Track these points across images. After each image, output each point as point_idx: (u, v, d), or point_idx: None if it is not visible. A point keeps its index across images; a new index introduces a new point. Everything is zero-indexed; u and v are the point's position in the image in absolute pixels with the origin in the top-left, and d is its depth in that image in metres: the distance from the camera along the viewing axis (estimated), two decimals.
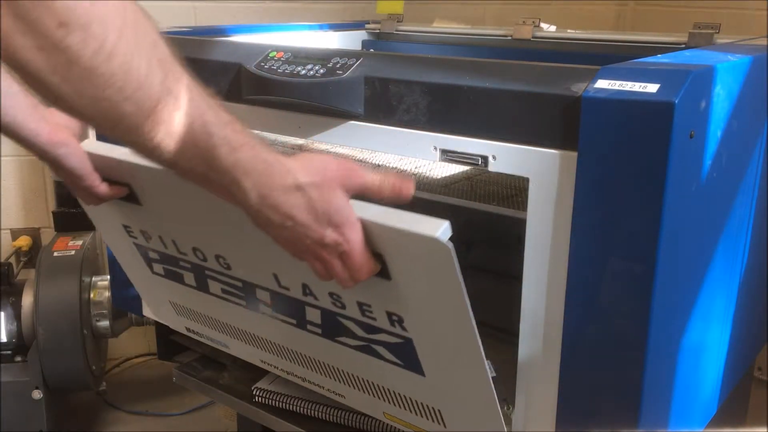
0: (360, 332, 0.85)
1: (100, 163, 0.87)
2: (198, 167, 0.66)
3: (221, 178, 0.67)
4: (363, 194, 0.72)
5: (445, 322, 0.77)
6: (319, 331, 0.91)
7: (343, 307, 0.84)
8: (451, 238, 0.69)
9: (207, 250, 0.95)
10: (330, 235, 0.70)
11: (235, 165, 0.66)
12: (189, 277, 1.02)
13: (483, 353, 0.78)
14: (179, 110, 0.62)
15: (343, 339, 0.89)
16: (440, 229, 0.68)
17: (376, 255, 0.73)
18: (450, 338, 0.79)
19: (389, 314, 0.80)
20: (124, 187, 0.91)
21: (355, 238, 0.71)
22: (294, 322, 0.94)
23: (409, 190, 0.72)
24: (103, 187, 0.89)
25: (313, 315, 0.90)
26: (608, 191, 0.73)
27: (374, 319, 0.82)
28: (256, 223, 0.70)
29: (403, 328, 0.80)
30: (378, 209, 0.72)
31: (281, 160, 0.68)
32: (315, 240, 0.70)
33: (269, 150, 0.68)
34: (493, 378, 0.81)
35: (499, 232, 0.95)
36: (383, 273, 0.75)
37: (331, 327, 0.89)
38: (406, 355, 0.83)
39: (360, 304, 0.81)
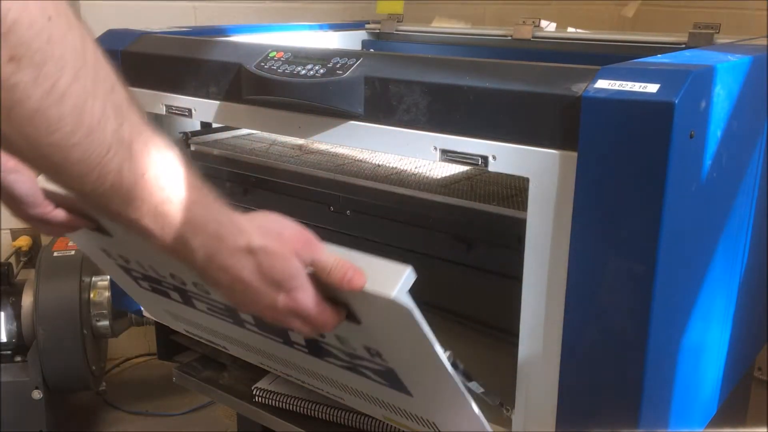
0: (344, 356, 0.84)
1: (61, 200, 0.82)
2: (143, 221, 0.62)
3: (167, 234, 0.63)
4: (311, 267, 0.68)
5: (418, 359, 0.76)
6: (306, 350, 0.91)
7: (323, 336, 0.83)
8: (415, 283, 0.66)
9: (184, 277, 0.93)
10: (282, 300, 0.67)
11: (184, 222, 0.62)
12: (174, 295, 1.02)
13: (458, 381, 0.77)
14: (130, 161, 0.58)
15: (329, 359, 0.89)
16: (396, 287, 0.65)
17: (342, 302, 0.71)
18: (425, 371, 0.78)
19: (367, 348, 0.79)
20: (89, 221, 0.86)
21: (308, 303, 0.67)
22: (281, 340, 0.93)
23: (360, 283, 0.66)
24: (56, 214, 0.83)
25: (297, 337, 0.89)
26: (608, 191, 0.73)
27: (354, 349, 0.81)
28: (205, 282, 0.67)
29: (383, 360, 0.79)
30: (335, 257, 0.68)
31: (235, 220, 0.65)
32: (267, 305, 0.67)
33: (223, 208, 0.65)
34: (482, 393, 0.81)
35: (499, 232, 0.95)
36: (352, 317, 0.72)
37: (316, 349, 0.88)
38: (391, 380, 0.83)
39: (338, 337, 0.80)
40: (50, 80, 0.50)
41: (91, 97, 0.53)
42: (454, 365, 0.76)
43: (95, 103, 0.54)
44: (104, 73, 0.55)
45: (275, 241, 0.66)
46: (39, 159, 0.54)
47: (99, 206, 0.61)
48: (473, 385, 0.79)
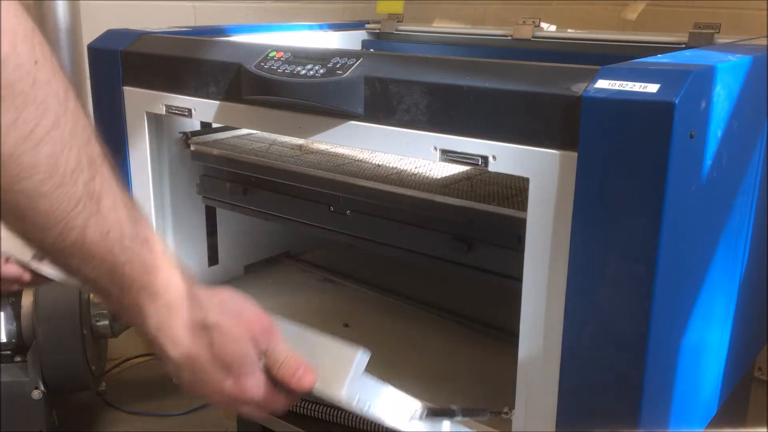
0: None
1: (10, 257, 0.80)
2: (101, 280, 0.59)
3: (124, 297, 0.60)
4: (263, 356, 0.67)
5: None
6: None
7: None
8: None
9: None
10: (229, 386, 0.64)
11: (142, 287, 0.60)
12: None
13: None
14: (97, 216, 0.55)
15: None
16: (344, 385, 0.64)
17: None
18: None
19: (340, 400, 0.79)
20: (41, 278, 0.84)
21: (257, 391, 0.65)
22: None
23: (309, 383, 0.65)
24: (7, 269, 0.81)
25: None
26: (608, 191, 0.73)
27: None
28: (155, 350, 0.65)
29: (359, 409, 0.79)
30: (288, 346, 0.67)
31: (194, 293, 0.63)
32: (214, 389, 0.64)
33: (185, 277, 0.63)
34: (471, 417, 0.81)
35: (499, 232, 0.95)
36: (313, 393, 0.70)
37: None
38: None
39: None
40: (29, 125, 0.48)
41: (68, 147, 0.52)
42: (432, 412, 0.76)
43: (71, 153, 0.52)
44: (82, 124, 0.54)
45: (232, 321, 0.64)
46: (3, 206, 0.51)
47: (57, 261, 0.58)
48: (458, 418, 0.79)
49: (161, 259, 0.61)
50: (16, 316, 1.79)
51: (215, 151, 1.25)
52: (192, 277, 0.64)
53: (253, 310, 0.66)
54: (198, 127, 1.31)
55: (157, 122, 1.24)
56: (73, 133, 0.52)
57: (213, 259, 1.40)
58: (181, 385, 0.66)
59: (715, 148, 0.80)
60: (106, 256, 0.58)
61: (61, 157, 0.51)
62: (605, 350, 0.78)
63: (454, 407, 0.78)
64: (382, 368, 1.10)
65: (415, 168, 1.11)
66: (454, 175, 1.08)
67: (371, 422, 1.05)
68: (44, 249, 0.57)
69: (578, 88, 0.74)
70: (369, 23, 1.66)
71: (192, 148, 1.27)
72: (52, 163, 0.51)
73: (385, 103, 0.89)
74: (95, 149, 0.55)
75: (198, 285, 0.64)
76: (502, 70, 0.84)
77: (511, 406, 0.88)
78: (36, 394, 1.76)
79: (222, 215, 1.39)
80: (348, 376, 0.65)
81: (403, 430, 0.72)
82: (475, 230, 0.99)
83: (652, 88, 0.71)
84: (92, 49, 1.25)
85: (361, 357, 0.66)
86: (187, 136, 1.27)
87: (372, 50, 1.60)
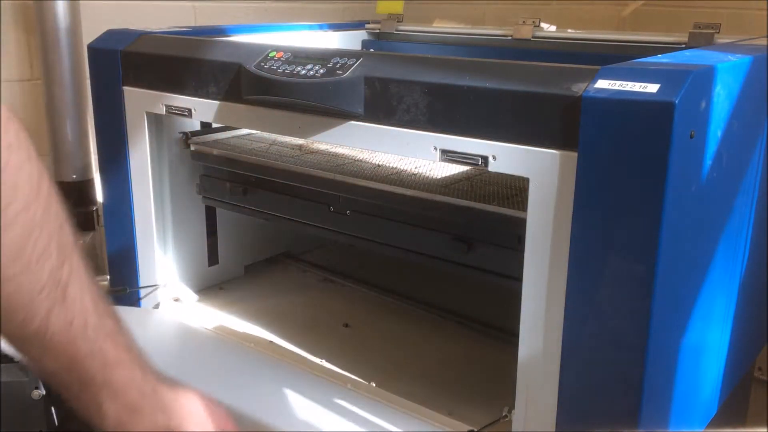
0: None
1: None
2: (62, 374, 0.57)
3: (83, 393, 0.58)
4: None
5: None
6: None
7: None
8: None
9: None
10: None
11: (103, 384, 0.57)
12: None
13: None
14: (62, 305, 0.54)
15: None
16: None
17: None
18: None
19: None
20: None
21: None
22: None
23: None
24: None
25: None
26: (608, 191, 0.73)
27: None
28: None
29: None
30: None
31: (158, 394, 0.61)
32: None
33: (149, 375, 0.61)
34: None
35: (499, 232, 0.95)
36: None
37: None
38: None
39: None
40: None
41: (38, 230, 0.51)
42: None
43: (40, 237, 0.51)
44: (55, 210, 0.53)
45: (195, 429, 0.62)
46: None
47: (20, 348, 0.56)
48: None
49: (125, 354, 0.59)
50: None
51: (215, 151, 1.25)
52: (156, 372, 0.62)
53: (218, 417, 0.65)
54: (198, 127, 1.31)
55: (157, 122, 1.24)
56: (45, 218, 0.51)
57: (213, 259, 1.40)
58: None
59: (715, 148, 0.80)
60: (68, 347, 0.55)
61: (29, 240, 0.50)
62: (605, 350, 0.78)
63: None
64: (381, 369, 1.10)
65: (415, 168, 1.10)
66: (454, 175, 1.08)
67: None
68: (6, 335, 0.55)
69: (578, 88, 0.74)
70: (369, 23, 1.66)
71: (192, 148, 1.27)
72: (19, 246, 0.50)
73: (385, 103, 0.89)
74: (67, 236, 0.54)
75: (162, 383, 0.62)
76: (502, 70, 0.84)
77: (511, 406, 0.88)
78: (36, 394, 1.75)
79: (222, 215, 1.39)
80: None
81: None
82: (475, 230, 0.99)
83: (652, 88, 0.71)
84: (92, 49, 1.25)
85: None
86: (187, 136, 1.27)
87: (372, 50, 1.60)
